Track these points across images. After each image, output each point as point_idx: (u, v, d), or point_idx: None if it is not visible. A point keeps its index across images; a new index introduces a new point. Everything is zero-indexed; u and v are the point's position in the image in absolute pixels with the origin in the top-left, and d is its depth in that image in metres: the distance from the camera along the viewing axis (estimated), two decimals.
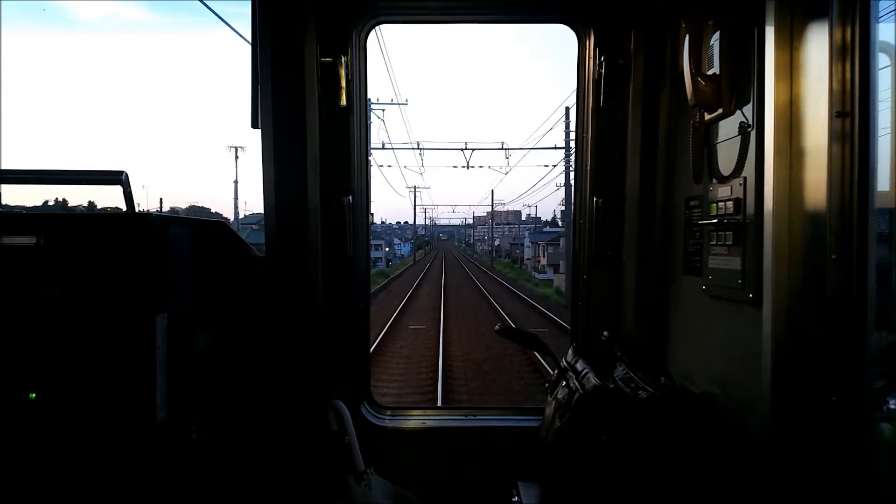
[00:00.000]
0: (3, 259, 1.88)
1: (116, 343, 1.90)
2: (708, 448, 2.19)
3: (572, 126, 23.11)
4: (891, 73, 1.66)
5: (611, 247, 2.89)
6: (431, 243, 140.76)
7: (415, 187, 76.36)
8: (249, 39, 2.66)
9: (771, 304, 1.79)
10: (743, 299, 1.99)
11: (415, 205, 78.21)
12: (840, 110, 1.61)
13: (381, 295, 29.54)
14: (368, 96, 2.99)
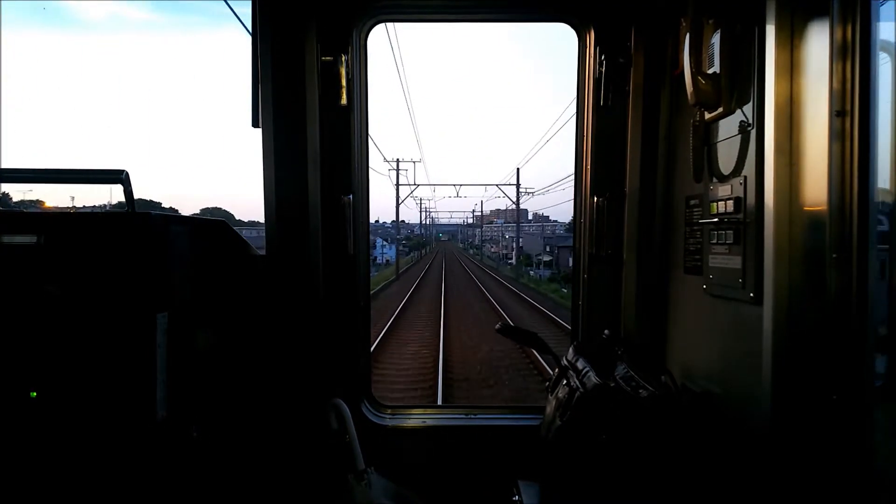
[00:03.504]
0: (3, 258, 1.89)
1: (117, 342, 1.90)
2: (708, 446, 2.19)
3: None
4: (891, 72, 1.66)
5: (611, 246, 2.89)
6: (429, 244, 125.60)
7: None
8: (250, 38, 2.66)
9: (771, 303, 1.79)
10: (743, 298, 1.99)
11: None
12: (840, 109, 1.61)
13: None
14: (369, 95, 2.99)
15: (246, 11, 2.66)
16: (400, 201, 53.51)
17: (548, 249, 63.80)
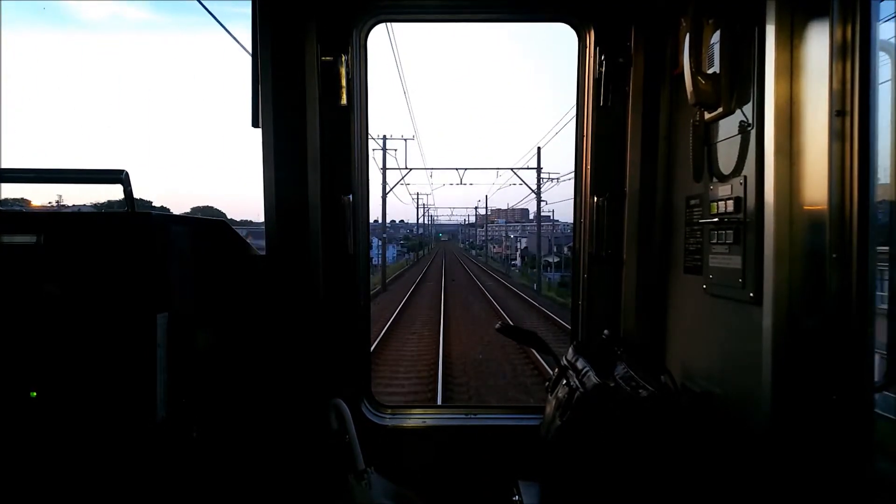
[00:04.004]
0: (3, 258, 1.89)
1: (117, 342, 1.90)
2: (708, 447, 2.19)
3: None
4: (891, 72, 1.67)
5: (611, 246, 2.89)
6: (428, 244, 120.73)
7: None
8: (248, 41, 2.66)
9: (771, 303, 1.79)
10: (743, 298, 1.99)
11: None
12: (840, 109, 1.61)
13: None
14: (369, 95, 2.99)
15: (242, 12, 2.66)
16: (389, 188, 40.61)
17: (555, 250, 59.01)
